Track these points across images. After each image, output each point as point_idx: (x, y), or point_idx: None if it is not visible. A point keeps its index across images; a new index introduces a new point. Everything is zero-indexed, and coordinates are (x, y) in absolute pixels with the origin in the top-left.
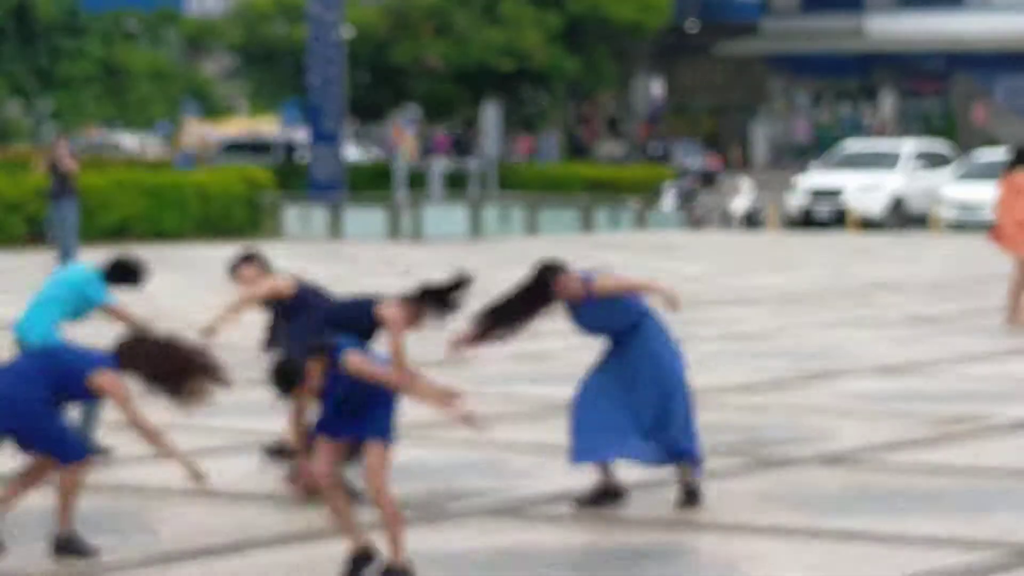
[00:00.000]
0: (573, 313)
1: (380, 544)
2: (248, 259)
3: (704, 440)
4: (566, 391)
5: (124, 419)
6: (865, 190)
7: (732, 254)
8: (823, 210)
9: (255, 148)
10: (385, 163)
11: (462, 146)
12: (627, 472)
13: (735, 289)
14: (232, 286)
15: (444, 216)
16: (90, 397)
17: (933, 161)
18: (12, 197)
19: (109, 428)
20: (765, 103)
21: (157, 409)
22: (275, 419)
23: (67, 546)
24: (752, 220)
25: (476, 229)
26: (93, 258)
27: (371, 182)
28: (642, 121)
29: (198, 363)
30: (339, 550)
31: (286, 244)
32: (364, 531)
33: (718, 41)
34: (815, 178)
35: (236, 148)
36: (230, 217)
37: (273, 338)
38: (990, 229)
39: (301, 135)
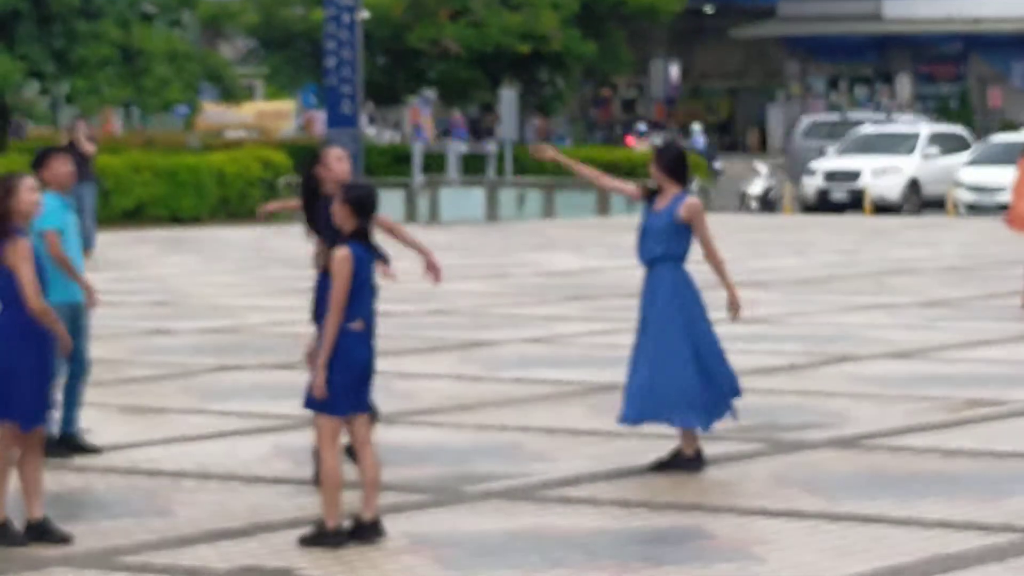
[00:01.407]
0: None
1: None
2: None
3: (719, 424)
4: (581, 375)
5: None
6: (882, 173)
7: (748, 237)
8: (840, 193)
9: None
10: (403, 146)
11: (479, 129)
12: (642, 456)
13: (751, 272)
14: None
15: (461, 199)
16: None
17: (950, 144)
18: None
19: (120, 411)
20: (782, 86)
21: (174, 393)
22: (290, 402)
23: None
24: (768, 203)
25: (493, 212)
26: (110, 241)
27: (388, 165)
28: (659, 104)
29: None
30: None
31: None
32: None
33: (735, 24)
34: (832, 161)
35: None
36: (247, 200)
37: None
38: (1006, 213)
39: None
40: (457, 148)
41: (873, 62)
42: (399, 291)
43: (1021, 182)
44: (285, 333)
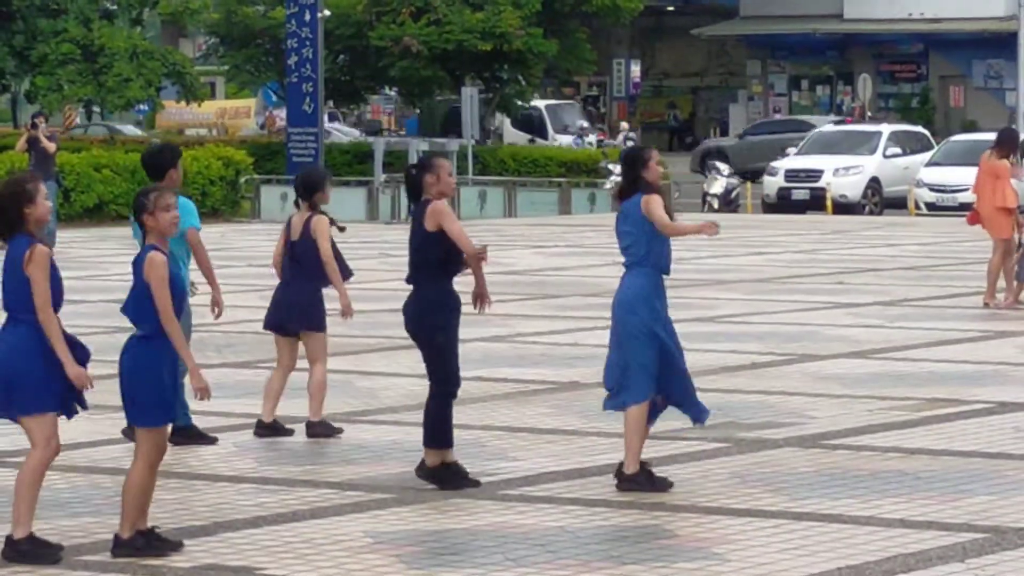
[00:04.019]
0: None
1: None
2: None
3: (681, 422)
4: (543, 373)
5: None
6: (843, 173)
7: (709, 236)
8: (801, 193)
9: None
10: (364, 144)
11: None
12: (603, 455)
13: (712, 271)
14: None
15: None
16: None
17: (910, 144)
18: None
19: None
20: (743, 86)
21: None
22: (252, 401)
23: None
24: (729, 202)
25: (454, 210)
26: (72, 239)
27: (350, 164)
28: (620, 102)
29: None
30: (314, 532)
31: (265, 225)
32: None
33: (697, 23)
34: (793, 160)
35: None
36: (208, 198)
37: None
38: (970, 213)
39: None
40: (418, 146)
41: (834, 62)
42: (359, 290)
43: (982, 180)
44: (247, 332)
